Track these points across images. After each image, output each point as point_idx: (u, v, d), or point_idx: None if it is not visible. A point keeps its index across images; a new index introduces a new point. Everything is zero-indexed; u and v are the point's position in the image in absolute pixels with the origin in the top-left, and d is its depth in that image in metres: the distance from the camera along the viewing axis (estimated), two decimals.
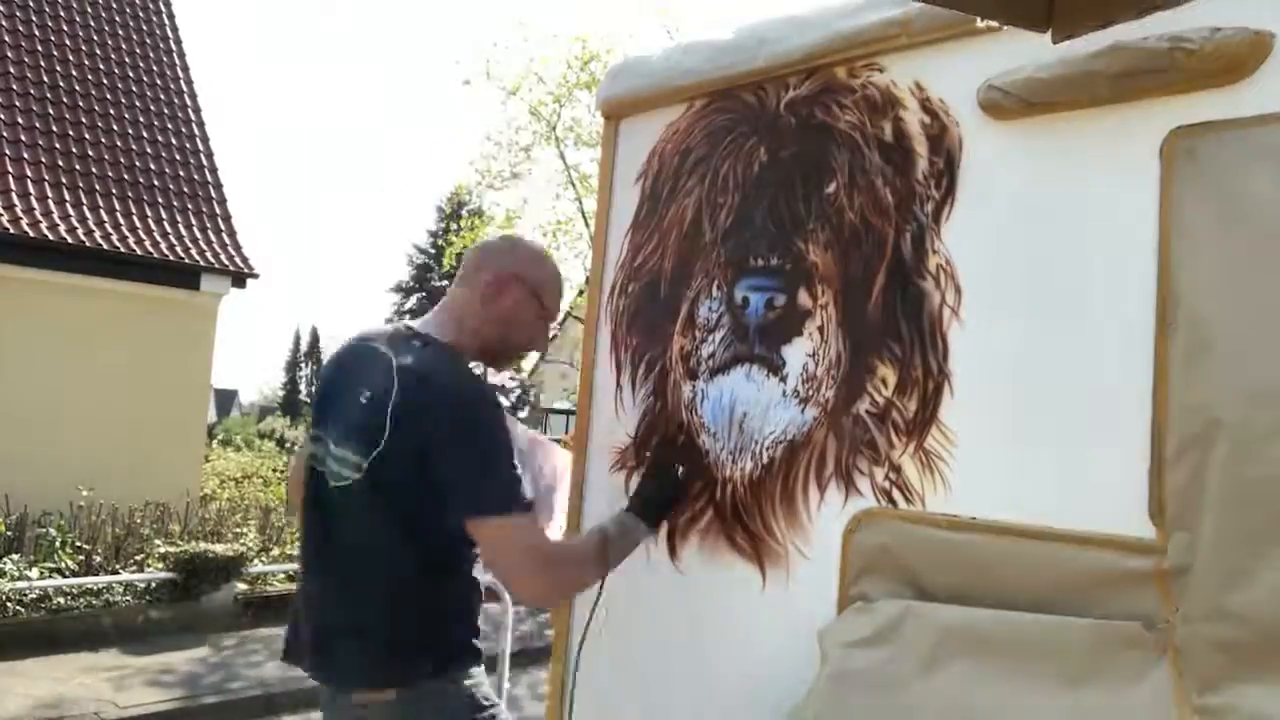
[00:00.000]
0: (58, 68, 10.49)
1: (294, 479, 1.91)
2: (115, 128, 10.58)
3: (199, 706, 5.36)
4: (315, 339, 50.82)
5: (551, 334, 1.92)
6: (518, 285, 1.78)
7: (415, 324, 1.79)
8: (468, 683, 1.67)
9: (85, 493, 7.55)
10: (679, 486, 1.87)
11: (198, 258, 10.26)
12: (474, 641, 1.71)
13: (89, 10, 11.31)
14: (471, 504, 1.55)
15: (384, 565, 1.62)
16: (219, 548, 7.38)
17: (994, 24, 1.48)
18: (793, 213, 1.79)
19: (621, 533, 1.77)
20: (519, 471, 1.60)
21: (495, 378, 2.15)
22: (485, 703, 1.68)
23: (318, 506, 1.71)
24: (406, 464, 1.56)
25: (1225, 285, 1.29)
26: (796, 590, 1.70)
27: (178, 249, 10.15)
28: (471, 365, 1.77)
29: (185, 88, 11.74)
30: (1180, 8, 1.14)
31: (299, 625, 1.76)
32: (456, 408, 1.58)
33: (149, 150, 10.79)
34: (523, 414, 2.19)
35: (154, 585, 7.03)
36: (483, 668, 1.72)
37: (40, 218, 9.24)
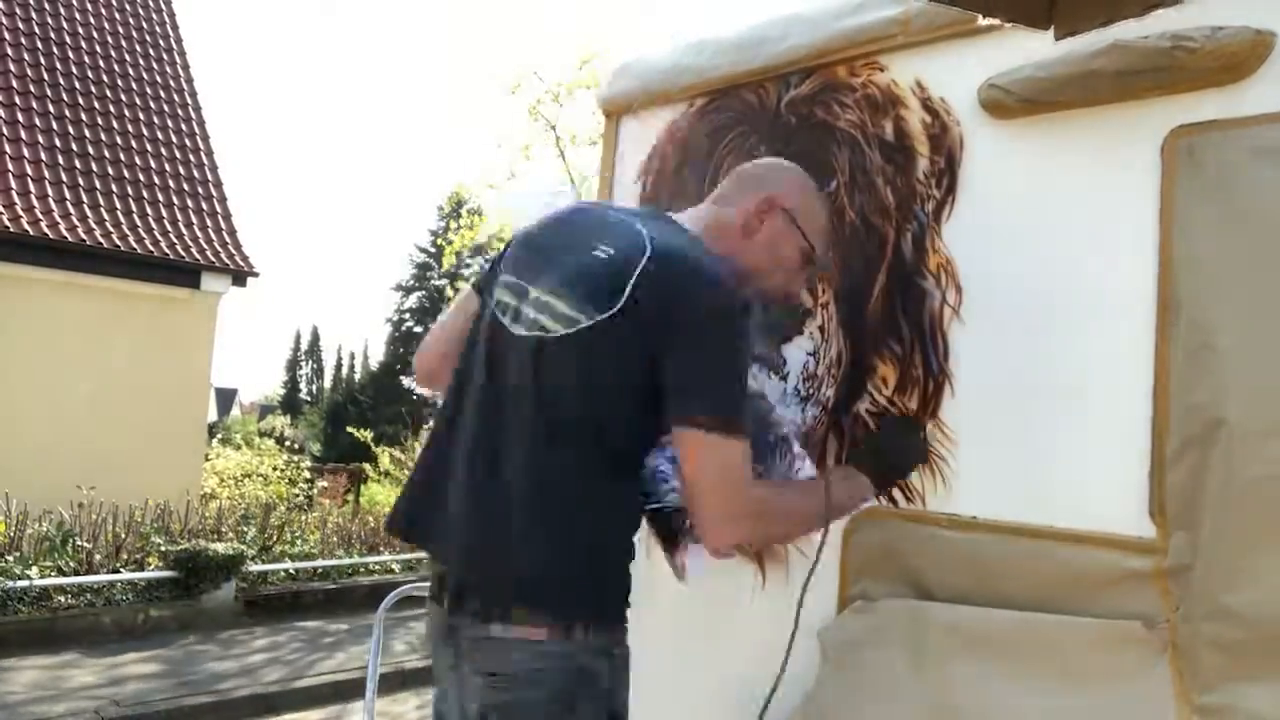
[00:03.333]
0: (58, 66, 10.49)
1: (440, 338, 1.61)
2: (116, 126, 10.58)
3: (199, 705, 5.36)
4: (315, 338, 50.84)
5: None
6: (781, 215, 1.52)
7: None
8: (618, 655, 1.37)
9: (86, 491, 7.54)
10: (923, 446, 1.57)
11: (198, 256, 10.27)
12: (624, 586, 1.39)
13: (89, 9, 11.31)
14: (686, 404, 1.30)
15: (567, 442, 1.33)
16: (219, 546, 7.37)
17: (996, 22, 1.48)
18: None
19: (845, 489, 1.51)
20: (746, 392, 1.37)
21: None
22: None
23: (489, 359, 1.42)
24: (633, 337, 1.31)
25: (1226, 284, 1.29)
26: (796, 589, 1.70)
27: (178, 248, 10.16)
28: None
29: (186, 86, 11.74)
30: (1182, 6, 1.15)
31: (420, 500, 1.47)
32: (711, 296, 1.33)
33: (150, 149, 10.79)
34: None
35: (154, 584, 7.03)
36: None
37: (41, 216, 9.24)
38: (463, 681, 1.36)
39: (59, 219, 9.35)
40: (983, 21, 1.52)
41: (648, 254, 1.34)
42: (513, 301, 1.44)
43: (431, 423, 1.55)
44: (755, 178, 1.57)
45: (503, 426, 1.38)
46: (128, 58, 11.31)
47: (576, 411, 1.35)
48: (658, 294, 1.32)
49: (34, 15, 10.66)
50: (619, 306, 1.31)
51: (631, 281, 1.32)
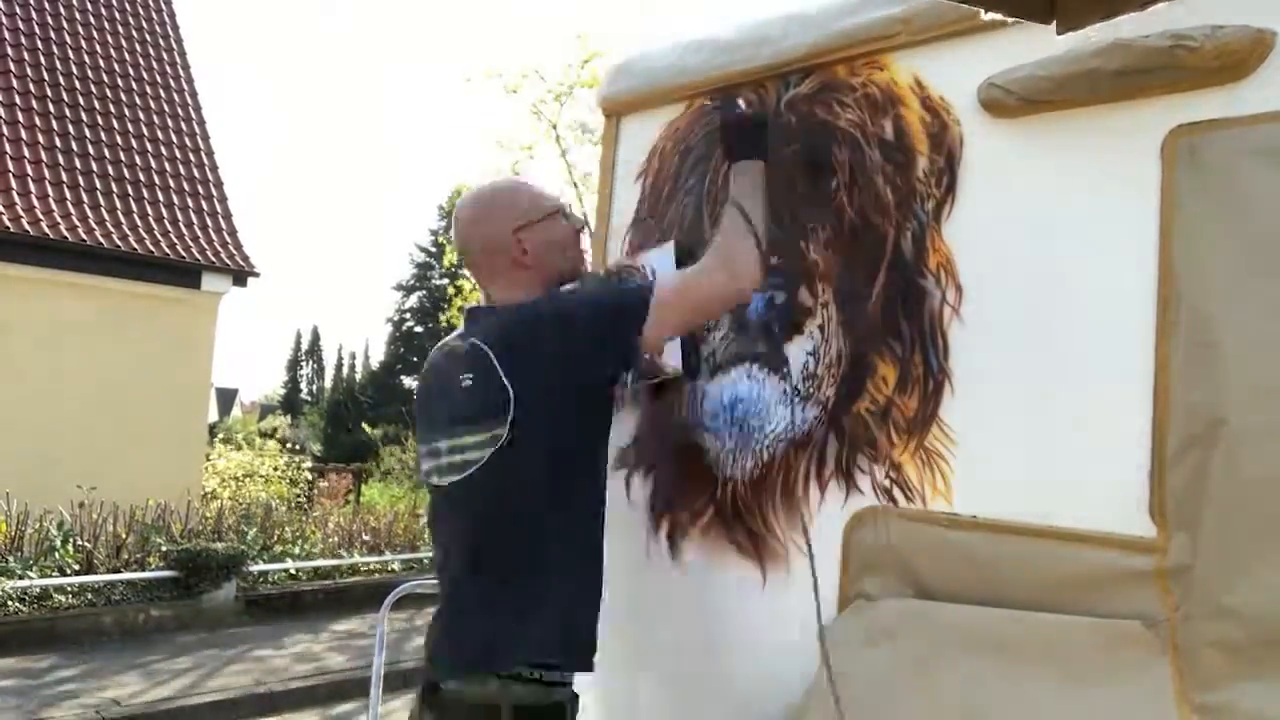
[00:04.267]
0: (59, 66, 10.50)
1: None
2: (116, 126, 10.59)
3: (199, 705, 5.36)
4: (316, 338, 50.85)
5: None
6: (524, 233, 1.68)
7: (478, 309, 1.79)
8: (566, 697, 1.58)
9: (86, 491, 7.55)
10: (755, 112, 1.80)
11: (199, 256, 10.28)
12: (594, 641, 1.63)
13: (90, 8, 11.31)
14: (625, 322, 1.56)
15: (522, 534, 1.57)
16: (219, 546, 7.38)
17: (998, 17, 1.47)
18: (793, 211, 1.79)
19: (744, 186, 1.67)
20: (608, 288, 1.77)
21: None
22: None
23: (444, 510, 1.68)
24: (549, 393, 1.55)
25: (1226, 283, 1.29)
26: (797, 589, 1.70)
27: (178, 247, 10.16)
28: None
29: (186, 86, 11.75)
30: (1183, 3, 1.14)
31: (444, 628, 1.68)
32: (545, 313, 1.61)
33: (150, 149, 10.80)
34: None
35: (155, 584, 7.04)
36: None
37: (41, 216, 9.25)
38: None
39: (59, 219, 9.36)
40: (985, 16, 1.52)
41: (490, 349, 1.57)
42: (433, 463, 1.65)
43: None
44: (483, 235, 1.72)
45: (468, 549, 1.61)
46: (128, 57, 11.32)
47: (544, 485, 1.56)
48: (523, 357, 1.56)
49: (34, 15, 10.66)
50: (512, 396, 1.52)
51: (501, 375, 1.54)
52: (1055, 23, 1.21)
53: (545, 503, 1.57)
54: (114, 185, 10.14)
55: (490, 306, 1.72)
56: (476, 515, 1.60)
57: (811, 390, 1.72)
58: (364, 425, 14.48)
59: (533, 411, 1.53)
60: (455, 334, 1.76)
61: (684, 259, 1.96)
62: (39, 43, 10.48)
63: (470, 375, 1.59)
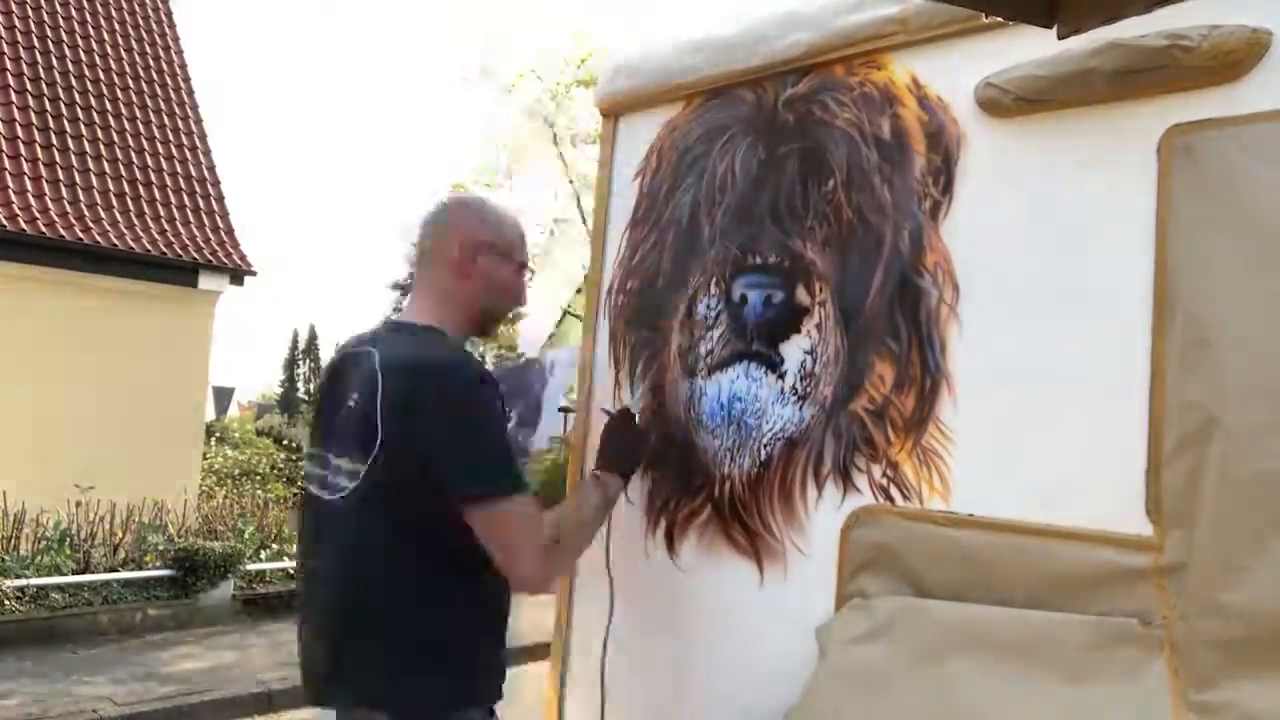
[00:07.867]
0: (56, 64, 10.46)
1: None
2: (114, 125, 10.56)
3: (197, 704, 5.36)
4: (313, 337, 50.72)
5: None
6: (486, 251, 1.68)
7: (400, 315, 1.73)
8: None
9: (83, 490, 7.53)
10: (640, 435, 1.92)
11: (195, 255, 10.25)
12: (490, 669, 1.60)
13: (87, 7, 11.28)
14: (467, 486, 1.47)
15: (389, 572, 1.51)
16: (217, 545, 7.37)
17: (999, 19, 1.48)
18: (791, 210, 1.79)
19: (598, 499, 1.74)
20: (511, 449, 1.55)
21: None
22: None
23: (317, 527, 1.62)
24: (406, 460, 1.47)
25: (1222, 282, 1.29)
26: (794, 587, 1.70)
27: (175, 246, 10.14)
28: (465, 342, 1.72)
29: (183, 85, 11.72)
30: (1180, 5, 1.15)
31: (307, 654, 1.66)
32: (442, 390, 1.50)
33: (147, 148, 10.77)
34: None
35: (152, 583, 7.03)
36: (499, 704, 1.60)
37: (38, 214, 9.22)
38: None
39: (56, 217, 9.34)
40: (985, 19, 1.52)
41: (380, 385, 1.50)
42: (318, 471, 1.61)
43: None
44: (458, 225, 1.71)
45: (339, 568, 1.56)
46: (124, 55, 11.29)
47: (393, 537, 1.51)
48: (400, 414, 1.48)
49: (32, 14, 10.63)
50: (378, 443, 1.47)
51: (379, 417, 1.48)
52: (1056, 27, 1.22)
53: (398, 555, 1.51)
54: (111, 184, 10.11)
55: (411, 325, 1.66)
56: (346, 543, 1.54)
57: (809, 389, 1.72)
58: None
59: (388, 464, 1.48)
60: (369, 334, 1.70)
61: (678, 259, 1.96)
62: (36, 41, 10.45)
63: (357, 397, 1.54)
